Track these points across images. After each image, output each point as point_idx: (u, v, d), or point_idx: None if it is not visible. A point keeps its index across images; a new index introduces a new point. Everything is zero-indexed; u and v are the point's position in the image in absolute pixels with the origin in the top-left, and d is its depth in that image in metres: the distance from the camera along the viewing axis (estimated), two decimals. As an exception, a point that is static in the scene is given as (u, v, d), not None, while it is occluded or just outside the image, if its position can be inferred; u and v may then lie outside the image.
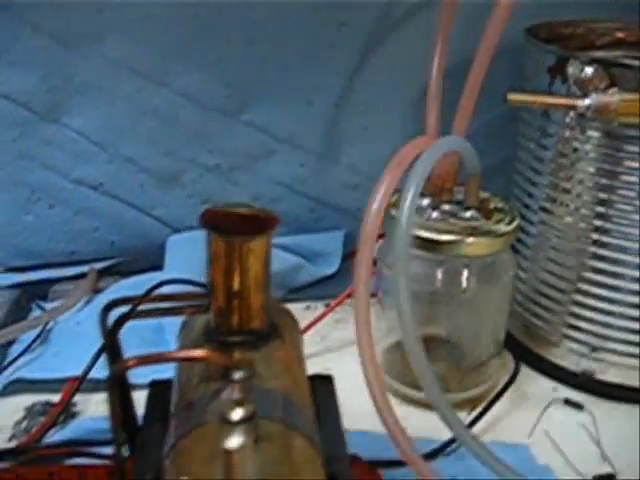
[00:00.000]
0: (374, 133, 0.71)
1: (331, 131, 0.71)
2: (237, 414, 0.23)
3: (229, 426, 0.22)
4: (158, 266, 0.66)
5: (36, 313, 0.65)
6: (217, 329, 0.30)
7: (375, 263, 0.46)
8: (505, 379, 0.56)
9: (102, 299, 0.65)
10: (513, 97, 0.50)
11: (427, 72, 0.52)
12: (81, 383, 0.53)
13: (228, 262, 0.29)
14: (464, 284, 0.51)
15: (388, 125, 0.70)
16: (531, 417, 0.52)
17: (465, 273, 0.51)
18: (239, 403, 0.23)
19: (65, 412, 0.52)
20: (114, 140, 0.67)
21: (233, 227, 0.29)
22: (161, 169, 0.69)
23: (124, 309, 0.31)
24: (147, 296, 0.31)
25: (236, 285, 0.29)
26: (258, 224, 0.29)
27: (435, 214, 0.50)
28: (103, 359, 0.47)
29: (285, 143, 0.70)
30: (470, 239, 0.48)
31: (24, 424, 0.51)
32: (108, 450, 0.40)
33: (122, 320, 0.30)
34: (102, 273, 0.70)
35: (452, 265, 0.50)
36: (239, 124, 0.68)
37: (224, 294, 0.29)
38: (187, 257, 0.61)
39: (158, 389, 0.33)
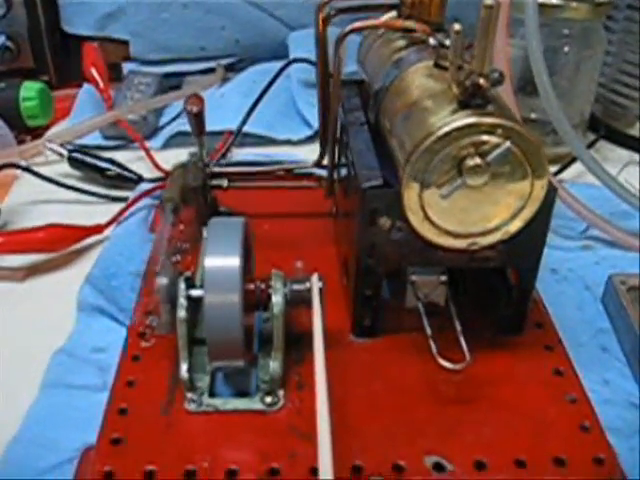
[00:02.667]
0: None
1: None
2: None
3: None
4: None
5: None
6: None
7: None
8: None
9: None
10: None
11: None
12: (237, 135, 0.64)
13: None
14: (565, 48, 0.59)
15: None
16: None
17: (566, 34, 0.59)
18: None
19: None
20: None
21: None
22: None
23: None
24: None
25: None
26: None
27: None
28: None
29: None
30: (574, 3, 0.56)
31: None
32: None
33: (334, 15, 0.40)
34: (228, 69, 0.80)
35: (555, 28, 0.59)
36: None
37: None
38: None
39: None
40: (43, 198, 0.58)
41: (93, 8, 0.78)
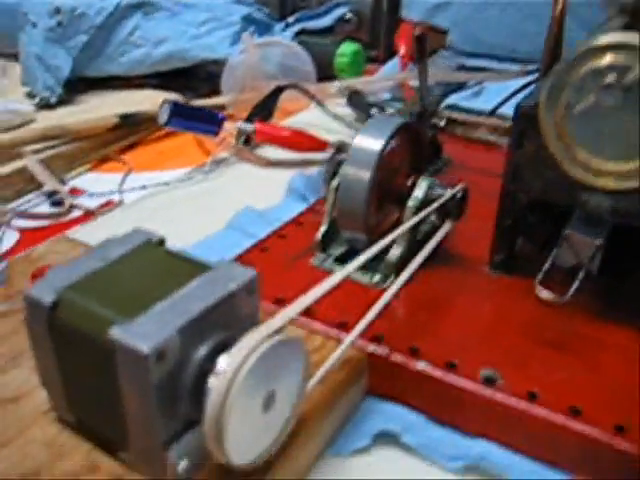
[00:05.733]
0: None
1: None
2: None
3: None
4: None
5: None
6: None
7: None
8: None
9: None
10: None
11: None
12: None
13: None
14: None
15: None
16: None
17: None
18: None
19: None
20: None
21: None
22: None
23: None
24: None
25: None
26: None
27: None
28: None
29: None
30: None
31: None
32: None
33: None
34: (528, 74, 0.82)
35: None
36: None
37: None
38: None
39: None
40: (316, 123, 0.68)
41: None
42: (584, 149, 0.33)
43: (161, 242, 0.29)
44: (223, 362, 0.23)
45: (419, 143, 0.42)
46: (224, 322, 0.26)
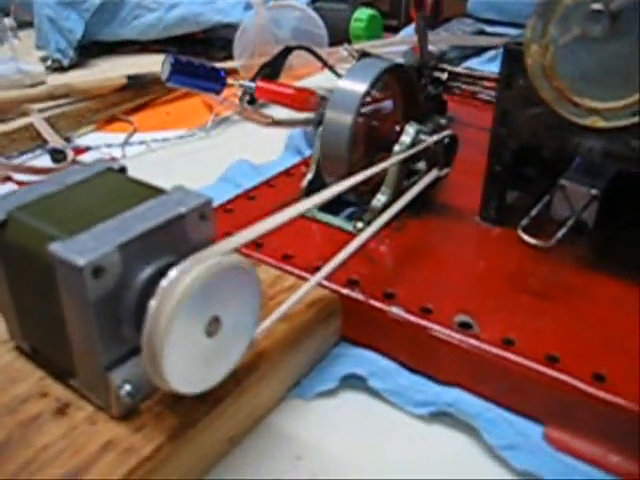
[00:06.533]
0: None
1: None
2: None
3: None
4: None
5: None
6: None
7: None
8: None
9: None
10: None
11: None
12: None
13: None
14: None
15: None
16: None
17: None
18: None
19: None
20: None
21: None
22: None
23: None
24: None
25: None
26: None
27: None
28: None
29: None
30: None
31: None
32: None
33: None
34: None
35: None
36: None
37: None
38: None
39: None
40: (326, 86, 0.67)
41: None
42: (571, 86, 0.31)
43: (122, 169, 0.29)
44: (163, 283, 0.23)
45: (412, 91, 0.41)
46: (173, 246, 0.25)
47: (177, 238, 0.25)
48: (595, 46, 0.30)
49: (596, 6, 0.28)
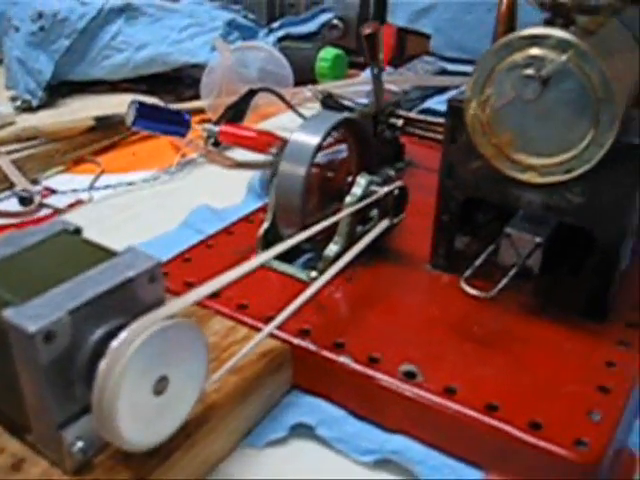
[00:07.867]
0: None
1: None
2: None
3: None
4: None
5: None
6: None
7: None
8: None
9: None
10: None
11: None
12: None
13: None
14: None
15: None
16: None
17: None
18: None
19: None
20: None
21: None
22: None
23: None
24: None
25: None
26: None
27: None
28: None
29: None
30: None
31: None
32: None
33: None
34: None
35: None
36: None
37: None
38: None
39: None
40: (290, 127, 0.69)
41: (414, 3, 0.88)
42: (509, 143, 0.33)
43: (77, 231, 0.30)
44: (112, 344, 0.24)
45: (366, 142, 0.42)
46: (123, 308, 0.26)
47: (127, 300, 0.26)
48: (529, 107, 0.32)
49: (528, 72, 0.31)
